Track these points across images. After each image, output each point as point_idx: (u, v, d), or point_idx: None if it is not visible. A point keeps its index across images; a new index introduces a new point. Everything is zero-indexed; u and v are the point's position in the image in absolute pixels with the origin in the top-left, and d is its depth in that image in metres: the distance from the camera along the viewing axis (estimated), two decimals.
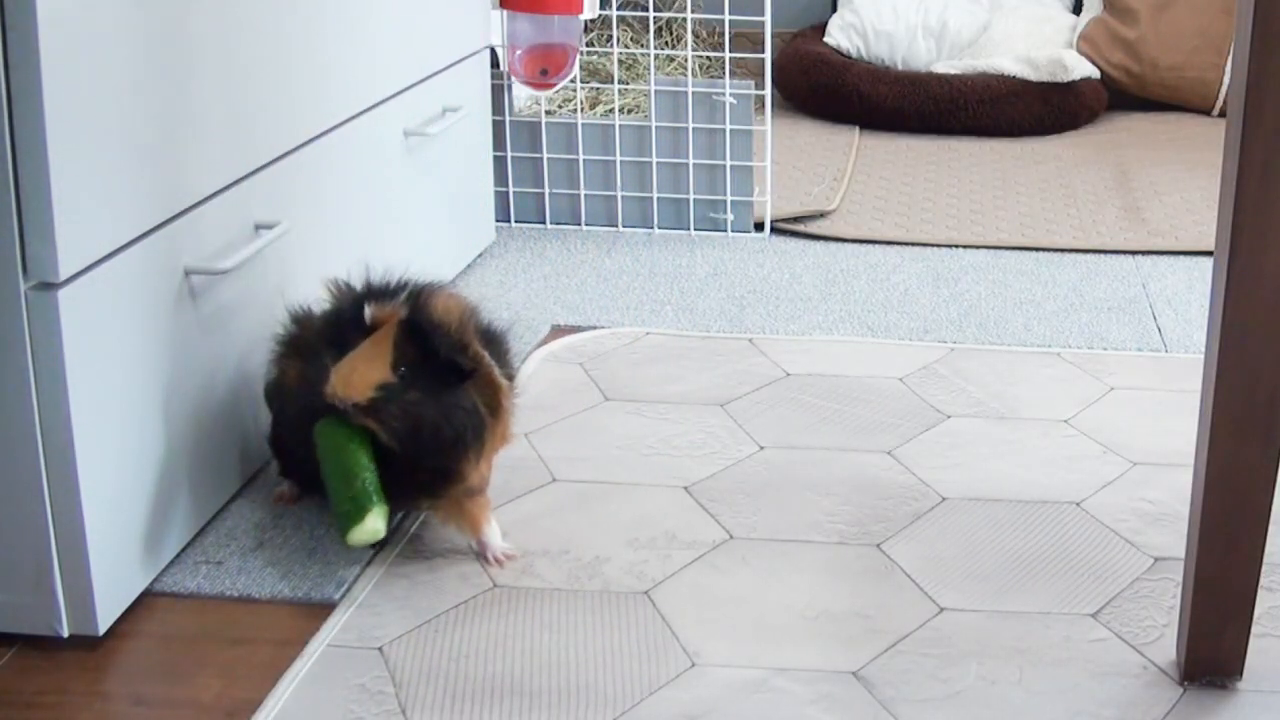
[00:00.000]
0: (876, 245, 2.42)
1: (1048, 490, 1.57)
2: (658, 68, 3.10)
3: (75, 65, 1.18)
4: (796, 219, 2.51)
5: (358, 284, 1.45)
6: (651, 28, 2.67)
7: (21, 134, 1.15)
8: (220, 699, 1.21)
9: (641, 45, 3.30)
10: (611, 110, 2.74)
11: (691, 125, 2.43)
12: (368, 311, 1.38)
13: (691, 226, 2.48)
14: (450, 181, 2.16)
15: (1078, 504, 1.54)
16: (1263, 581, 1.38)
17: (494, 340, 1.45)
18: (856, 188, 2.73)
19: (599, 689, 1.22)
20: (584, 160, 2.47)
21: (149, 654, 1.28)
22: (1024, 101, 3.16)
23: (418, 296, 1.39)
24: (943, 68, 3.30)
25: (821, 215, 2.53)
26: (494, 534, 1.43)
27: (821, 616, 1.33)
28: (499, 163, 2.48)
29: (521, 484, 1.58)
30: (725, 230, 2.47)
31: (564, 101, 2.77)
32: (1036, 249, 2.40)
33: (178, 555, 1.42)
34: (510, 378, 1.46)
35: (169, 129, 1.34)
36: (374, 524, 1.33)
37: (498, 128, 2.46)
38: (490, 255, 2.35)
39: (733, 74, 3.49)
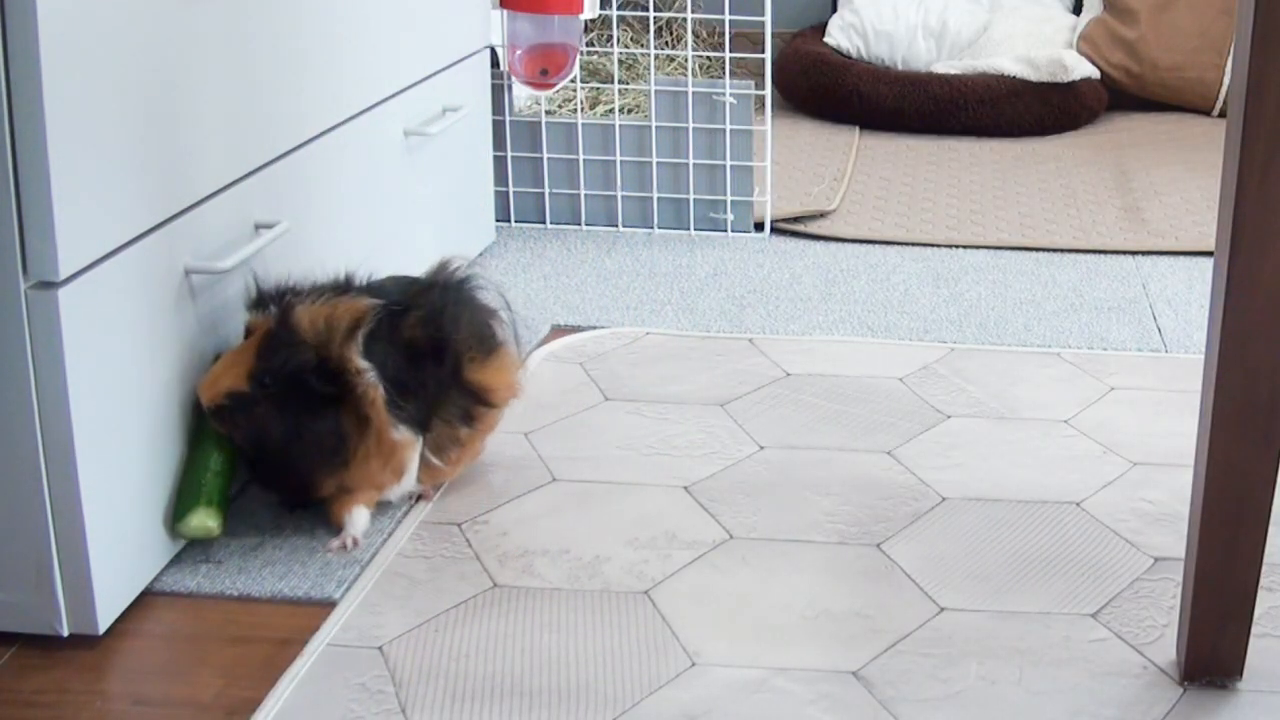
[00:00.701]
0: (876, 245, 2.42)
1: (1048, 490, 1.57)
2: (658, 68, 3.10)
3: (75, 65, 1.18)
4: (796, 219, 2.51)
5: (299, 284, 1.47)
6: (651, 28, 2.67)
7: (21, 134, 1.15)
8: (220, 698, 1.21)
9: (641, 45, 3.30)
10: (611, 110, 2.74)
11: (691, 125, 2.43)
12: (246, 319, 1.44)
13: (691, 226, 2.48)
14: (450, 181, 2.16)
15: (1078, 504, 1.54)
16: (1263, 581, 1.38)
17: (445, 329, 1.47)
18: (856, 188, 2.73)
19: (599, 689, 1.22)
20: (584, 160, 2.47)
21: (149, 653, 1.28)
22: (1024, 102, 3.16)
23: (287, 307, 1.41)
24: (943, 68, 3.30)
25: (821, 215, 2.53)
26: (353, 523, 1.46)
27: (821, 616, 1.33)
28: (499, 163, 2.48)
29: (521, 484, 1.58)
30: (725, 230, 2.47)
31: (564, 101, 2.77)
32: (1036, 249, 2.40)
33: (178, 555, 1.42)
34: (490, 350, 1.51)
35: (169, 129, 1.34)
36: (199, 521, 1.38)
37: (498, 127, 2.46)
38: (490, 255, 2.35)
39: (733, 74, 3.49)
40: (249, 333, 1.43)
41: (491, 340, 1.54)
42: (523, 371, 1.59)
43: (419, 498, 1.54)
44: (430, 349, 1.46)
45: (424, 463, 1.49)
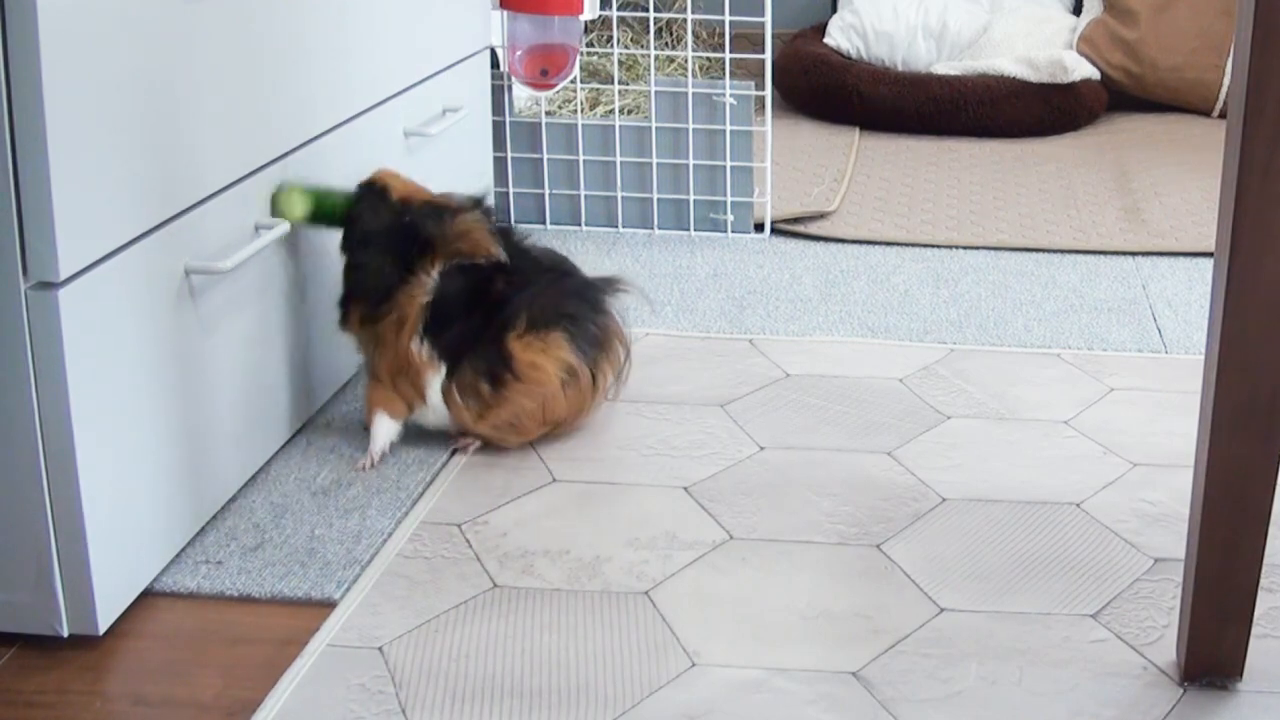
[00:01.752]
0: (876, 246, 2.42)
1: (1048, 491, 1.57)
2: (658, 68, 3.10)
3: (75, 65, 1.18)
4: (796, 220, 2.51)
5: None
6: (652, 28, 2.67)
7: (21, 134, 1.15)
8: (220, 699, 1.21)
9: (642, 46, 3.30)
10: (611, 111, 2.74)
11: (691, 126, 2.43)
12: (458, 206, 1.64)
13: (692, 227, 2.48)
14: (450, 182, 2.16)
15: (1078, 505, 1.54)
16: (1263, 582, 1.38)
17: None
18: (856, 188, 2.73)
19: (599, 689, 1.22)
20: (584, 161, 2.47)
21: (149, 654, 1.28)
22: (1024, 102, 3.16)
23: (469, 204, 1.63)
24: (943, 68, 3.30)
25: (821, 216, 2.53)
26: (375, 437, 1.62)
27: (821, 616, 1.33)
28: (499, 163, 2.48)
29: (522, 484, 1.58)
30: (725, 231, 2.47)
31: (564, 102, 2.77)
32: (1036, 250, 2.40)
33: (178, 555, 1.42)
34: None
35: (169, 129, 1.34)
36: (287, 194, 1.59)
37: (498, 128, 2.46)
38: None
39: (733, 75, 3.49)
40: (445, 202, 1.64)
41: (539, 323, 1.60)
42: (585, 395, 1.65)
43: (454, 451, 1.65)
44: (495, 304, 1.59)
45: (451, 400, 1.61)
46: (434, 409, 1.61)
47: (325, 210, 1.62)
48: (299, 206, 1.59)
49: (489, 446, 1.65)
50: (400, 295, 1.58)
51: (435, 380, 1.59)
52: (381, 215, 1.61)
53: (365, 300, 1.60)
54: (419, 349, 1.58)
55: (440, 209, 1.61)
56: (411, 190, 1.64)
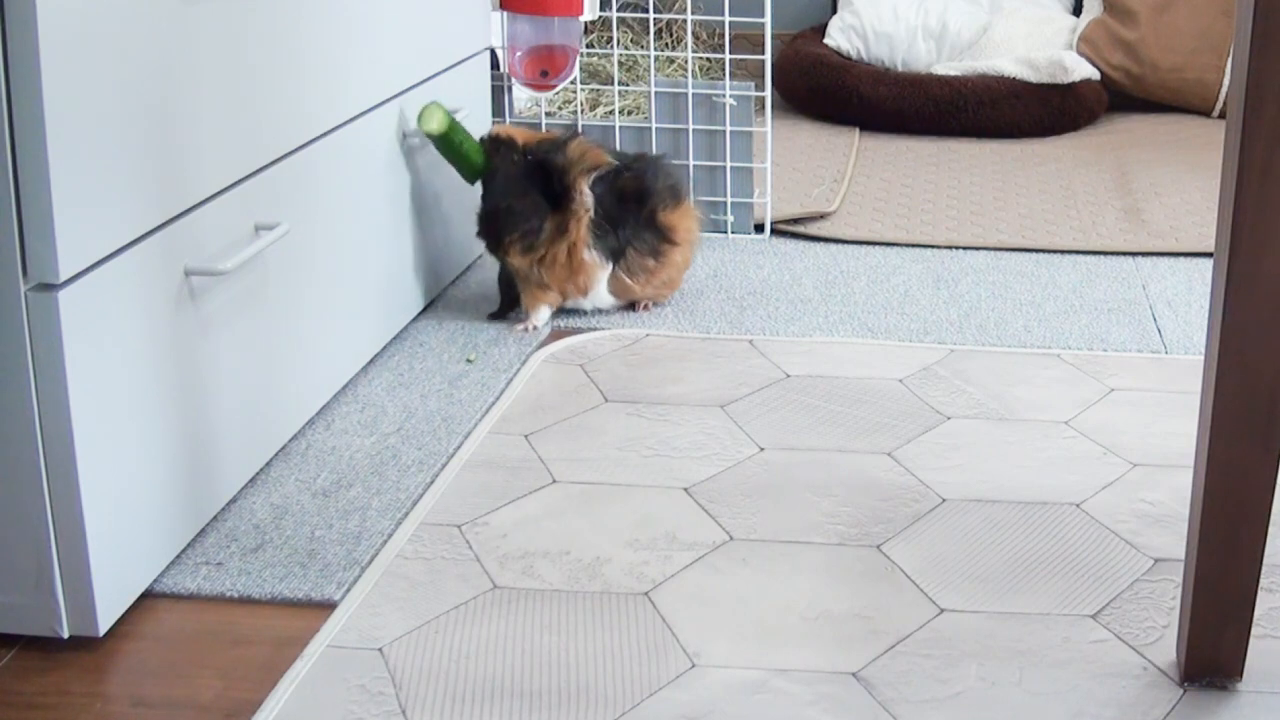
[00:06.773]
0: (876, 247, 2.42)
1: (1048, 491, 1.57)
2: (658, 69, 3.10)
3: (75, 67, 1.18)
4: (796, 220, 2.51)
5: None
6: (651, 29, 2.67)
7: (21, 134, 1.15)
8: (220, 699, 1.21)
9: (641, 47, 3.30)
10: (612, 112, 2.74)
11: (691, 127, 2.43)
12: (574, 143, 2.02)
13: None
14: (450, 183, 2.16)
15: (1078, 505, 1.54)
16: (1263, 582, 1.38)
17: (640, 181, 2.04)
18: (856, 189, 2.73)
19: (599, 689, 1.22)
20: None
21: (149, 655, 1.28)
22: (1024, 103, 3.16)
23: (572, 135, 2.03)
24: (943, 69, 3.30)
25: (822, 217, 2.53)
26: (536, 314, 2.02)
27: (821, 617, 1.33)
28: None
29: (522, 485, 1.58)
30: (725, 232, 2.47)
31: (564, 103, 2.77)
32: (1036, 250, 2.40)
33: (178, 555, 1.42)
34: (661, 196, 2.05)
35: (169, 129, 1.34)
36: (433, 110, 1.97)
37: None
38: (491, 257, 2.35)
39: (733, 75, 3.49)
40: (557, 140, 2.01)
41: (678, 195, 2.07)
42: (699, 221, 2.12)
43: (641, 306, 2.10)
44: (634, 197, 2.01)
45: (619, 280, 2.03)
46: (596, 299, 2.04)
47: (456, 138, 1.96)
48: (437, 121, 1.92)
49: (491, 446, 1.65)
50: (567, 220, 1.95)
51: (602, 277, 2.01)
52: (516, 161, 1.97)
53: (522, 233, 1.95)
54: (588, 256, 1.98)
55: (555, 142, 1.98)
56: (527, 136, 2.01)
